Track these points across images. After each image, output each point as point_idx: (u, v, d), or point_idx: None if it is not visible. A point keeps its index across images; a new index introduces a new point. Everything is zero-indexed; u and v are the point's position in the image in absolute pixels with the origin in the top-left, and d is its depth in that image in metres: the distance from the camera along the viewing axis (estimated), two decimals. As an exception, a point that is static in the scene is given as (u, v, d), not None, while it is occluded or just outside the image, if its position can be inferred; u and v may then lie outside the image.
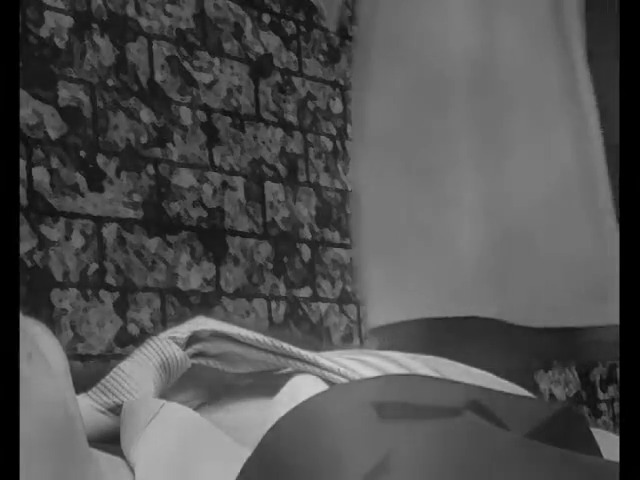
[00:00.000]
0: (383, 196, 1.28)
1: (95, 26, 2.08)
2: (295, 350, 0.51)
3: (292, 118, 2.46)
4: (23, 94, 1.94)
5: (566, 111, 1.25)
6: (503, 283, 1.23)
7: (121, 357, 0.52)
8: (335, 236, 2.53)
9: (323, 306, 2.49)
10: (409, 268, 1.26)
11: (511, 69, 1.24)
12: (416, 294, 1.25)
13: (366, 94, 1.30)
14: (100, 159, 2.06)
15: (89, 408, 0.50)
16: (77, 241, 2.01)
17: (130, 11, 2.15)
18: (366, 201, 1.30)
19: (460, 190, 1.23)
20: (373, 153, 1.29)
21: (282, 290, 2.39)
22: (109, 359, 2.02)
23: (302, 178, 2.47)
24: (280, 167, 2.42)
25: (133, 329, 2.09)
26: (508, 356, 1.24)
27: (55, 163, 1.99)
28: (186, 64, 2.24)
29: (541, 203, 1.23)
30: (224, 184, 2.29)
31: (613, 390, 3.24)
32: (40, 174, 1.96)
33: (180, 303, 2.18)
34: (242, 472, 0.40)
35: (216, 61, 2.31)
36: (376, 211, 1.29)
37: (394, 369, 0.53)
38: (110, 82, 2.09)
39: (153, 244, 2.14)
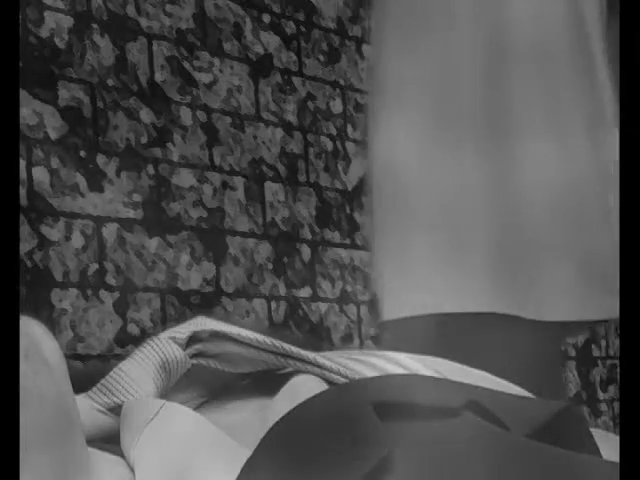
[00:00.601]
0: (397, 190, 1.27)
1: (95, 26, 2.08)
2: (295, 350, 0.51)
3: (292, 118, 2.46)
4: (23, 94, 1.94)
5: (583, 102, 1.24)
6: (516, 277, 1.23)
7: (121, 357, 0.52)
8: (335, 236, 2.53)
9: (323, 306, 2.49)
10: (422, 263, 1.25)
11: (528, 58, 1.22)
12: (429, 289, 1.24)
13: (379, 94, 1.29)
14: (100, 159, 2.06)
15: (89, 408, 0.50)
16: (77, 241, 2.01)
17: (130, 11, 2.15)
18: (379, 195, 1.29)
19: (473, 185, 1.22)
20: (384, 154, 1.28)
21: (282, 290, 2.39)
22: (109, 359, 2.02)
23: (302, 178, 2.47)
24: (280, 167, 2.42)
25: (133, 329, 2.09)
26: (523, 350, 1.24)
27: (55, 163, 1.99)
28: (186, 64, 2.24)
29: (555, 197, 1.23)
30: (224, 184, 2.29)
31: (613, 390, 3.24)
32: (40, 174, 1.96)
33: (180, 303, 2.18)
34: (242, 472, 0.40)
35: (216, 61, 2.31)
36: (390, 205, 1.28)
37: (394, 369, 0.53)
38: (110, 82, 2.09)
39: (153, 244, 2.14)
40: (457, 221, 1.23)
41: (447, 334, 1.23)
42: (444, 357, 0.60)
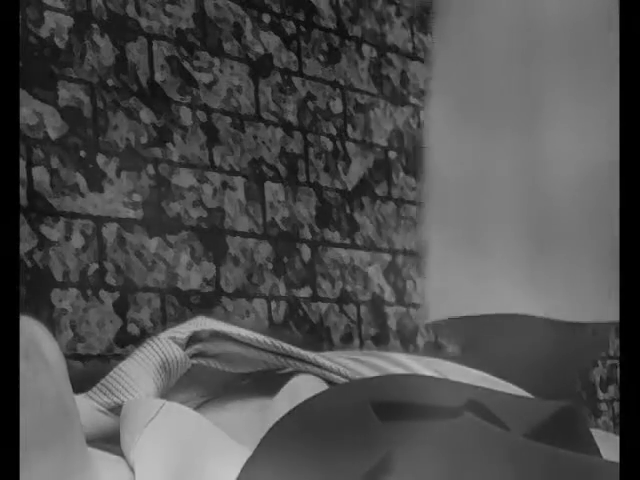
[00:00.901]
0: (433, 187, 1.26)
1: (95, 26, 2.08)
2: (295, 350, 0.51)
3: (292, 118, 2.46)
4: (23, 94, 1.94)
5: (608, 90, 1.22)
6: (550, 277, 1.21)
7: (121, 357, 0.52)
8: (335, 236, 2.53)
9: (323, 306, 2.49)
10: (458, 267, 1.24)
11: (557, 43, 1.21)
12: (464, 290, 1.23)
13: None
14: (100, 159, 2.06)
15: (89, 408, 0.50)
16: (77, 241, 2.01)
17: (130, 11, 2.15)
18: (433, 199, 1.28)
19: (501, 182, 1.21)
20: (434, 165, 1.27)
21: (282, 290, 2.39)
22: (109, 359, 2.02)
23: (302, 178, 2.47)
24: (280, 167, 2.42)
25: (133, 329, 2.09)
26: (553, 352, 1.23)
27: (55, 163, 1.99)
28: (186, 64, 2.24)
29: (578, 191, 1.21)
30: (224, 184, 2.29)
31: (613, 390, 3.24)
32: (40, 174, 1.96)
33: (180, 303, 2.18)
34: (243, 471, 0.40)
35: (216, 61, 2.31)
36: (440, 206, 1.27)
37: (394, 369, 0.53)
38: (110, 82, 2.09)
39: (153, 244, 2.14)
40: (485, 216, 1.22)
41: (479, 336, 1.22)
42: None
